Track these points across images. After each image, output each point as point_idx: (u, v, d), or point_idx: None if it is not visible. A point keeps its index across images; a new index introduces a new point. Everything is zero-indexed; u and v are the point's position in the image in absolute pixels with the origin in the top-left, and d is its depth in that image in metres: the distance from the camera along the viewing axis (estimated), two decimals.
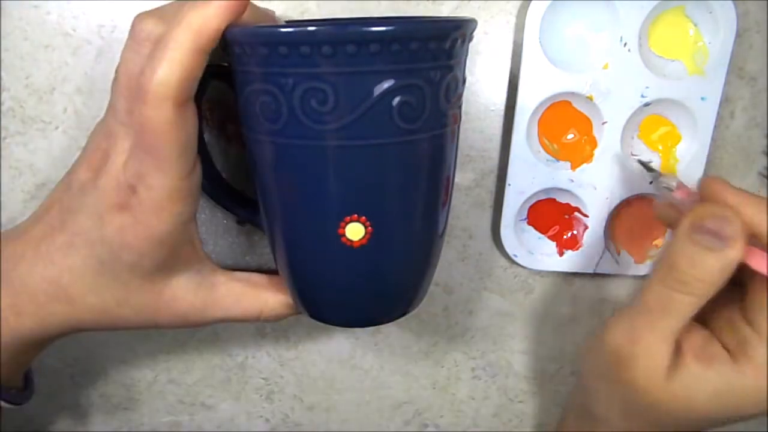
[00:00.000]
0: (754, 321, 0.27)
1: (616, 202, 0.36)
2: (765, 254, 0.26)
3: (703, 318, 0.29)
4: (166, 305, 0.29)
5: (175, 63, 0.23)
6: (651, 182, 0.30)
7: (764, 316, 0.26)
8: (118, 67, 0.27)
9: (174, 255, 0.28)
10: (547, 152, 0.36)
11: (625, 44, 0.33)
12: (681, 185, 0.30)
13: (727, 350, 0.27)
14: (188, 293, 0.30)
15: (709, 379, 0.27)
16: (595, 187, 0.36)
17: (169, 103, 0.24)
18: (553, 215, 0.38)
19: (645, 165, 0.34)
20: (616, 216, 0.38)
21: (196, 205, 0.28)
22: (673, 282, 0.27)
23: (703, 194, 0.28)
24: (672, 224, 0.30)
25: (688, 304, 0.27)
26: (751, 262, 0.26)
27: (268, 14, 0.30)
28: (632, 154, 0.34)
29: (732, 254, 0.26)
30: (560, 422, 0.36)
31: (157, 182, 0.25)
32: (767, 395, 0.26)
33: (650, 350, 0.27)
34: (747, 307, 0.27)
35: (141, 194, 0.26)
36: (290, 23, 0.31)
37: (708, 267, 0.26)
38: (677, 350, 0.28)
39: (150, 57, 0.24)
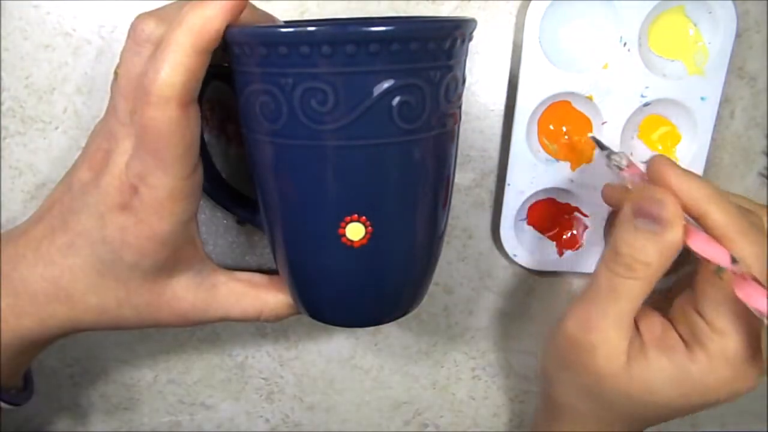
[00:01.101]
0: (703, 311, 0.27)
1: None
2: (705, 236, 0.26)
3: (664, 306, 0.29)
4: (167, 304, 0.29)
5: (177, 64, 0.23)
6: (607, 163, 0.29)
7: (712, 307, 0.26)
8: (117, 67, 0.27)
9: (175, 255, 0.28)
10: (547, 152, 0.36)
11: (625, 44, 0.33)
12: (631, 164, 0.29)
13: (684, 340, 0.28)
14: (189, 293, 0.30)
15: (665, 368, 0.27)
16: (595, 187, 0.36)
17: (173, 104, 0.24)
18: (553, 215, 0.38)
19: (597, 142, 0.33)
20: (616, 216, 0.37)
21: (197, 205, 0.28)
22: (618, 267, 0.27)
23: (649, 174, 0.28)
24: (618, 207, 0.30)
25: (634, 288, 0.27)
26: (692, 246, 0.26)
27: (267, 15, 0.30)
28: (588, 134, 0.34)
29: (670, 237, 0.25)
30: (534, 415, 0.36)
31: (160, 182, 0.25)
32: (722, 384, 0.27)
33: (606, 337, 0.27)
34: (696, 297, 0.27)
35: (143, 194, 0.26)
36: (290, 23, 0.31)
37: (648, 251, 0.26)
38: (639, 337, 0.28)
39: (153, 58, 0.24)
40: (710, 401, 0.27)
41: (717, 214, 0.26)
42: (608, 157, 0.29)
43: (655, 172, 0.27)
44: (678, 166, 0.27)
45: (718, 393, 0.27)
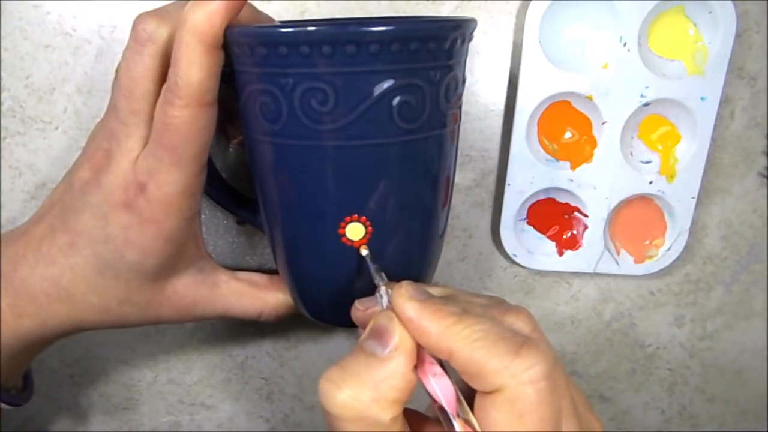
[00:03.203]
0: None
1: (616, 202, 0.36)
2: (439, 373, 0.23)
3: None
4: (168, 301, 0.30)
5: (192, 63, 0.24)
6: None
7: None
8: (118, 67, 0.27)
9: (178, 252, 0.28)
10: (547, 152, 0.36)
11: (625, 44, 0.33)
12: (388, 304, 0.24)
13: None
14: (190, 290, 0.30)
15: None
16: (595, 187, 0.36)
17: (194, 102, 0.24)
18: (552, 215, 0.38)
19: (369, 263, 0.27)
20: (615, 216, 0.38)
21: (201, 202, 0.29)
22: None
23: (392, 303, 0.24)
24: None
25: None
26: (423, 381, 0.23)
27: (267, 17, 0.30)
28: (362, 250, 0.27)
29: (391, 365, 0.22)
30: None
31: (172, 178, 0.26)
32: None
33: None
34: None
35: (150, 192, 0.26)
36: (290, 23, 0.31)
37: (370, 376, 0.22)
38: None
39: (171, 61, 0.25)
40: None
41: (461, 352, 0.21)
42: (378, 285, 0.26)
43: (394, 305, 0.23)
44: (420, 297, 0.23)
45: None
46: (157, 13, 0.26)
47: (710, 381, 0.43)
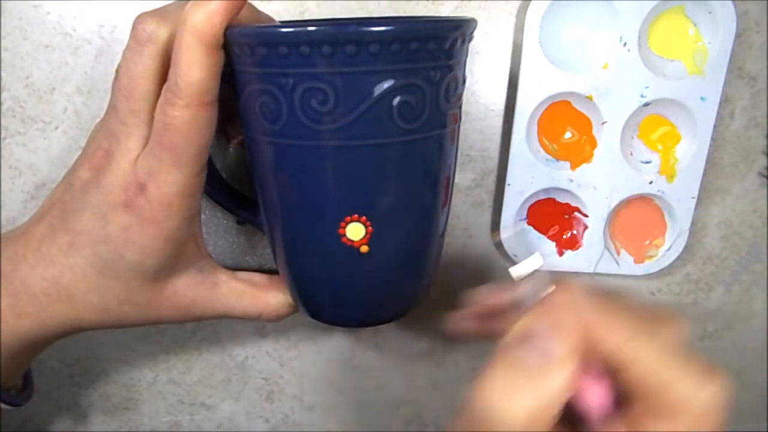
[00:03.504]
0: None
1: (616, 202, 0.36)
2: (604, 395, 0.21)
3: None
4: (168, 301, 0.30)
5: (192, 63, 0.24)
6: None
7: None
8: (118, 66, 0.27)
9: (178, 252, 0.28)
10: (547, 152, 0.36)
11: (625, 44, 0.33)
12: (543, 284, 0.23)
13: None
14: (190, 290, 0.30)
15: None
16: (595, 187, 0.36)
17: (195, 103, 0.24)
18: (552, 215, 0.38)
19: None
20: (615, 216, 0.38)
21: (200, 202, 0.29)
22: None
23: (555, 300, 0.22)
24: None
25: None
26: (582, 402, 0.21)
27: (268, 17, 0.30)
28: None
29: (551, 382, 0.20)
30: None
31: (172, 178, 0.26)
32: None
33: None
34: None
35: (150, 192, 0.26)
36: (290, 23, 0.31)
37: (519, 394, 0.20)
38: None
39: (172, 61, 0.25)
40: None
41: (643, 366, 0.20)
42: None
43: (573, 302, 0.21)
44: (590, 296, 0.21)
45: None
46: (157, 13, 0.26)
47: None
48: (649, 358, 0.20)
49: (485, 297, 0.26)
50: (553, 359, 0.20)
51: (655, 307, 0.23)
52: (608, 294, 0.23)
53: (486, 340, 0.26)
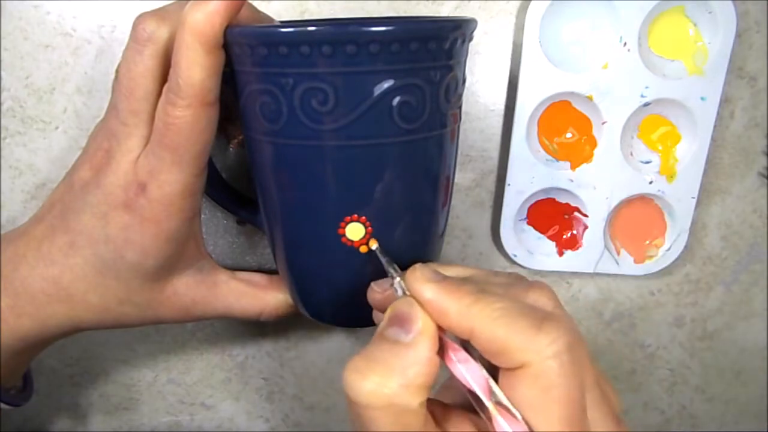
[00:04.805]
0: None
1: (616, 202, 0.36)
2: (465, 358, 0.22)
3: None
4: (168, 301, 0.30)
5: (192, 63, 0.24)
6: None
7: None
8: (119, 66, 0.27)
9: (178, 252, 0.28)
10: (547, 152, 0.36)
11: (625, 44, 0.33)
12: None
13: None
14: (190, 290, 0.30)
15: None
16: (595, 187, 0.36)
17: (196, 103, 0.25)
18: (552, 215, 0.38)
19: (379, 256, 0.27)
20: (615, 216, 0.38)
21: (201, 202, 0.29)
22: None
23: (407, 287, 0.24)
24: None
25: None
26: (451, 369, 0.22)
27: (268, 17, 0.30)
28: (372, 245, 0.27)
29: (416, 352, 0.22)
30: None
31: (173, 178, 0.26)
32: None
33: None
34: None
35: (151, 192, 0.26)
36: (290, 23, 0.31)
37: (396, 363, 0.22)
38: None
39: (172, 61, 0.25)
40: None
41: (483, 330, 0.21)
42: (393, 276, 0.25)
43: (410, 288, 0.23)
44: (435, 279, 0.23)
45: None
46: (157, 13, 0.26)
47: (710, 381, 0.43)
48: (485, 320, 0.21)
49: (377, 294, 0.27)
50: (411, 334, 0.22)
51: (515, 277, 0.25)
52: (466, 271, 0.25)
53: None
